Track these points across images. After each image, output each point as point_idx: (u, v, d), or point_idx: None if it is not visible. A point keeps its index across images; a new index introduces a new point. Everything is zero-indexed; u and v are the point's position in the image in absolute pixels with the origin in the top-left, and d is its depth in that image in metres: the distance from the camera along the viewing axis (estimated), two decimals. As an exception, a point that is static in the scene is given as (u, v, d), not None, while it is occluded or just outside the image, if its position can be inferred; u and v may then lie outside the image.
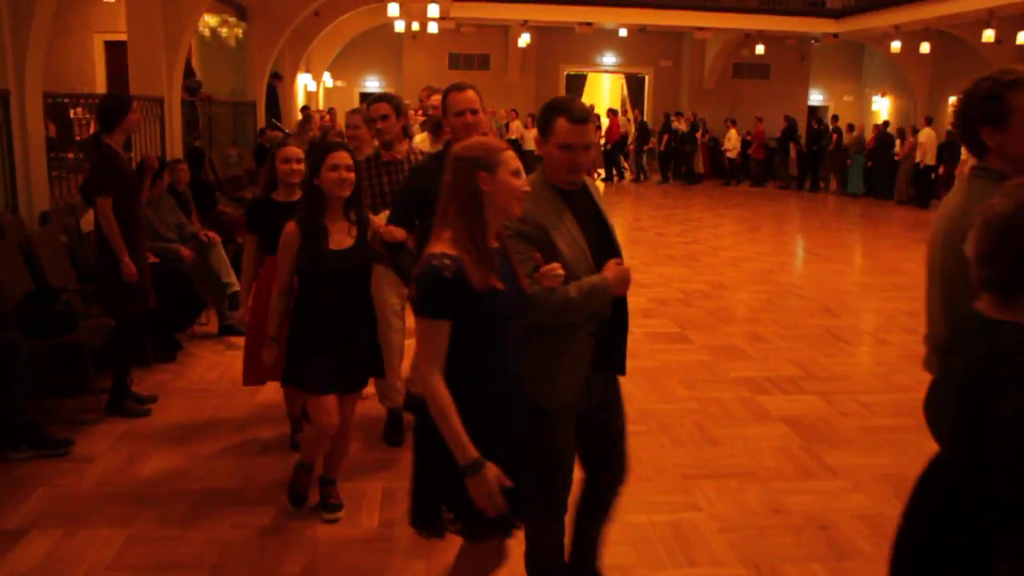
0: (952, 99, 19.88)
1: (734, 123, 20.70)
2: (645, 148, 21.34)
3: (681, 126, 20.71)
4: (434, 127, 5.37)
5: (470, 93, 3.66)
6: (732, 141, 20.80)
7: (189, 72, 10.73)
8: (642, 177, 21.45)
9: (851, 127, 19.49)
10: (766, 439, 4.78)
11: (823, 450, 4.66)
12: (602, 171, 20.85)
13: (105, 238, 4.74)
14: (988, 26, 15.41)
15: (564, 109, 2.60)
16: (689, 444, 4.74)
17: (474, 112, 3.62)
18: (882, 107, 22.93)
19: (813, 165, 20.04)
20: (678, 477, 4.26)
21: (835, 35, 20.07)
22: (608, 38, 22.32)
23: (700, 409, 5.21)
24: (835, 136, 19.67)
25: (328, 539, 3.60)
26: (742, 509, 3.96)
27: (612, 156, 20.99)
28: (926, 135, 16.92)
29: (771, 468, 4.40)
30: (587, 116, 2.61)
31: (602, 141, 20.25)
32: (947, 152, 16.58)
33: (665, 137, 20.82)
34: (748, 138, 20.76)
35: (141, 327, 5.24)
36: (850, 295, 8.90)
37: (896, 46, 18.12)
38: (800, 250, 12.30)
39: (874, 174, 18.57)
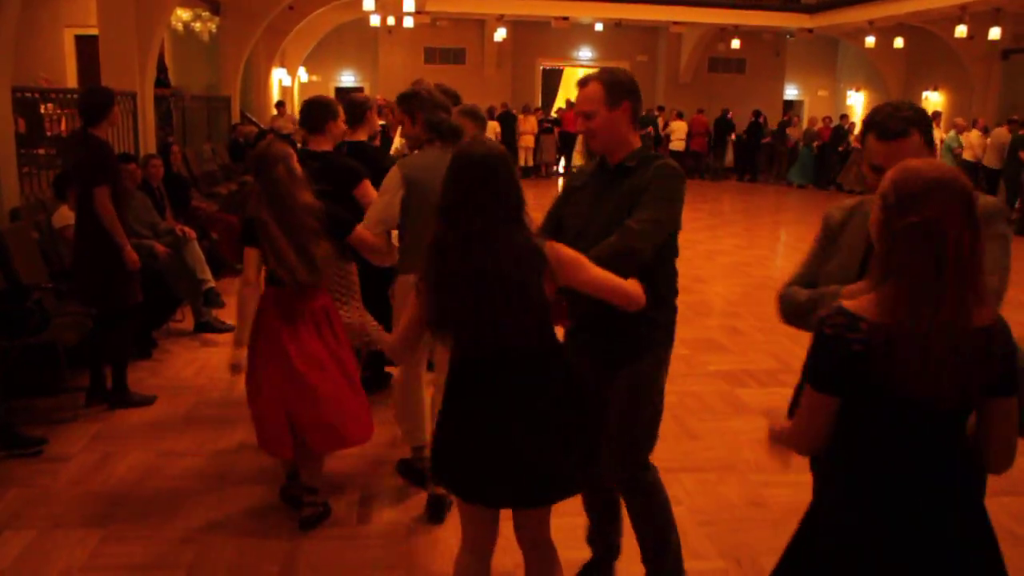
0: (925, 94, 20.10)
1: (680, 115, 20.33)
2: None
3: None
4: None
5: (589, 88, 2.70)
6: (678, 133, 20.16)
7: (161, 68, 10.63)
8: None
9: (788, 121, 20.42)
10: (745, 432, 4.80)
11: (801, 442, 4.68)
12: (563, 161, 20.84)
13: (100, 231, 4.67)
14: (961, 22, 15.59)
15: (874, 123, 2.18)
16: (668, 438, 4.72)
17: (588, 116, 2.68)
18: (856, 101, 23.11)
19: (751, 157, 20.69)
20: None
21: (810, 30, 20.21)
22: (584, 32, 22.32)
23: (678, 403, 5.21)
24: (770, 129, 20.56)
25: (306, 537, 3.57)
26: (721, 502, 3.98)
27: (568, 148, 20.68)
28: None
29: (750, 461, 4.42)
30: (899, 129, 2.13)
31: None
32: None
33: None
34: (699, 121, 20.68)
35: (136, 317, 5.23)
36: (826, 288, 8.94)
37: (870, 41, 18.28)
38: (774, 243, 12.36)
39: (821, 165, 19.23)
